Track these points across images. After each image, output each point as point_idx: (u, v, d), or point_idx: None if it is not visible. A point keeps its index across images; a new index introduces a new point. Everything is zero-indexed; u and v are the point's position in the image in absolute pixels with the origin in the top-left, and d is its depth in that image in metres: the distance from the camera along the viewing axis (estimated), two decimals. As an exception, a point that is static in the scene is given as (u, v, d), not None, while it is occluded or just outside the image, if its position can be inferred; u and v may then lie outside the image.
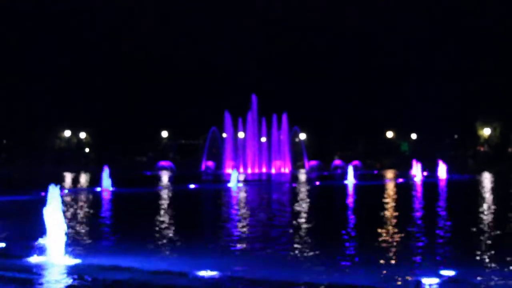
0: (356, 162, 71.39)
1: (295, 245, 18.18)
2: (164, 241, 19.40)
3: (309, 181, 55.97)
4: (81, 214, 26.94)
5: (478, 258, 16.07)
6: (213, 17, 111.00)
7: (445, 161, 62.51)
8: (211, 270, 13.77)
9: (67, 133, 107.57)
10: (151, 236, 20.00)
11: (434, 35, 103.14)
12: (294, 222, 24.12)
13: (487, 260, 15.78)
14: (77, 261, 15.38)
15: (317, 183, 50.74)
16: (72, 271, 14.44)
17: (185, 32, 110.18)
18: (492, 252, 16.99)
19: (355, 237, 20.42)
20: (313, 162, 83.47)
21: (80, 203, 32.26)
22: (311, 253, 16.94)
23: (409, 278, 13.55)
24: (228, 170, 77.00)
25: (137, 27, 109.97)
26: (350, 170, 52.80)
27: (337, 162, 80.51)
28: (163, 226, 22.99)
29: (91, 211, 28.98)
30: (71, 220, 23.92)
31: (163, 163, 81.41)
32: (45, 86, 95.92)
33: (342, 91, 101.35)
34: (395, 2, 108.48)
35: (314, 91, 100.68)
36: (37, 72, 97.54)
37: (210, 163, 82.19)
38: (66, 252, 15.74)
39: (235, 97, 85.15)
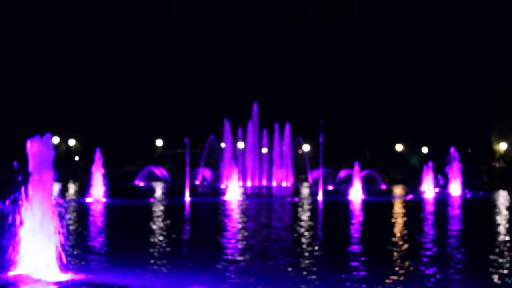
0: (366, 172, 70.44)
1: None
2: (159, 257, 19.41)
3: (312, 195, 55.72)
4: (71, 227, 26.90)
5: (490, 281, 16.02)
6: (212, 21, 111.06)
7: (460, 175, 62.37)
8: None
9: (55, 140, 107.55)
10: (144, 252, 20.00)
11: (448, 45, 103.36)
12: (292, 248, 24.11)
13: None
14: (65, 277, 15.35)
15: (320, 198, 50.36)
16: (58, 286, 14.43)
17: (184, 35, 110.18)
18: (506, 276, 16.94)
19: (365, 267, 20.39)
20: (316, 173, 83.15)
21: (69, 216, 32.20)
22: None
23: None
24: (226, 182, 76.97)
25: (133, 32, 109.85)
26: (357, 184, 52.70)
27: (343, 173, 79.63)
28: (157, 241, 22.99)
29: (81, 224, 28.98)
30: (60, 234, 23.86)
31: (155, 169, 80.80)
32: (31, 90, 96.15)
33: (349, 101, 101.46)
34: (405, 11, 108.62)
35: (319, 101, 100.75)
36: (22, 73, 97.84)
37: (207, 174, 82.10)
38: (55, 267, 15.71)
39: (235, 105, 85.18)
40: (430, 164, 65.83)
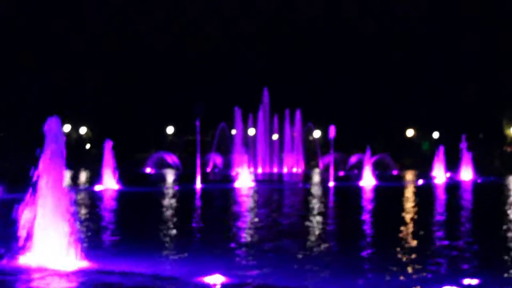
0: (377, 158, 70.09)
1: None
2: (172, 244, 19.57)
3: (323, 182, 55.79)
4: (84, 215, 27.12)
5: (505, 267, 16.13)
6: (221, 8, 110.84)
7: (471, 160, 62.30)
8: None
9: (67, 128, 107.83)
10: (156, 239, 20.16)
11: (458, 30, 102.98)
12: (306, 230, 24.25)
13: None
14: (76, 264, 15.50)
15: (332, 184, 50.37)
16: (71, 275, 14.58)
17: (192, 23, 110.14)
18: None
19: (373, 243, 20.52)
20: (327, 159, 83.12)
21: (80, 203, 32.44)
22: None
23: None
24: (237, 169, 77.08)
25: (141, 21, 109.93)
26: (368, 169, 52.75)
27: (354, 159, 79.31)
28: (170, 228, 23.15)
29: (92, 211, 29.19)
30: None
31: (166, 156, 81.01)
32: (41, 79, 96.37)
33: (360, 87, 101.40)
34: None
35: (330, 86, 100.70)
36: (31, 62, 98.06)
37: (218, 161, 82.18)
38: (66, 254, 15.86)
39: (246, 92, 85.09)
40: (441, 149, 65.76)
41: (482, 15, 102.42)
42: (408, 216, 27.71)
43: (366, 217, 28.49)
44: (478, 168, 64.36)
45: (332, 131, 54.37)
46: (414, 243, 20.32)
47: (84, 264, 15.38)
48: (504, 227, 23.87)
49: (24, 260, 15.43)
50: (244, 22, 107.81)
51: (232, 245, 19.23)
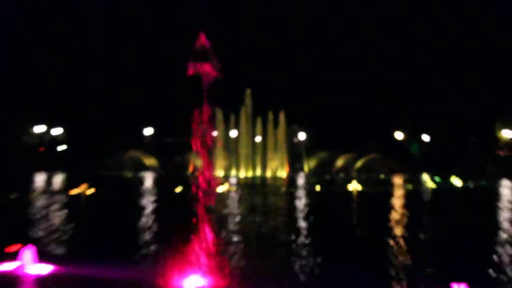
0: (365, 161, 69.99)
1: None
2: (144, 250, 19.73)
3: (308, 186, 55.95)
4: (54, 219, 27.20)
5: (491, 271, 16.42)
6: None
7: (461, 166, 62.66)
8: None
9: (41, 128, 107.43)
10: (129, 245, 20.32)
11: (451, 32, 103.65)
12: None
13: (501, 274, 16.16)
14: (52, 269, 15.63)
15: (318, 189, 50.53)
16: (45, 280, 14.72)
17: (176, 22, 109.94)
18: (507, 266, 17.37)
19: (361, 250, 20.78)
20: (313, 162, 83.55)
21: (55, 207, 32.49)
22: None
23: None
24: (219, 172, 77.32)
25: (128, 23, 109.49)
26: (355, 173, 52.96)
27: (341, 162, 79.58)
28: (144, 234, 23.30)
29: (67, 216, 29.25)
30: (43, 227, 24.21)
31: (145, 159, 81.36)
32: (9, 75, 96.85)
33: (347, 88, 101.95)
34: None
35: (316, 87, 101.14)
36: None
37: (198, 164, 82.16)
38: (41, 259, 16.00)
39: (228, 92, 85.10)
40: (431, 152, 66.16)
41: (482, 17, 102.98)
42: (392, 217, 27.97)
43: (351, 224, 28.72)
44: (469, 172, 64.69)
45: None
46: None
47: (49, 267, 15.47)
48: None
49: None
50: (228, 23, 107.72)
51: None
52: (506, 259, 18.82)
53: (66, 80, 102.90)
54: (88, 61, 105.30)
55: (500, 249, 20.43)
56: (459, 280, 14.71)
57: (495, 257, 18.94)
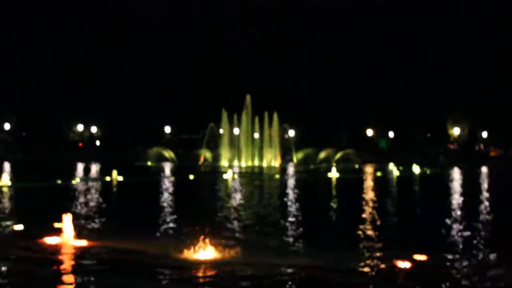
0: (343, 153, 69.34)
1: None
2: (171, 226, 19.58)
3: (296, 174, 55.97)
4: (93, 201, 27.11)
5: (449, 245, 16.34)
6: (210, 18, 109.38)
7: (419, 157, 62.46)
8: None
9: (80, 127, 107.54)
10: (157, 223, 20.16)
11: (413, 37, 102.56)
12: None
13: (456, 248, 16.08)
14: (90, 243, 15.54)
15: (303, 176, 50.54)
16: (84, 251, 14.62)
17: (190, 32, 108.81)
18: (463, 240, 17.29)
19: (337, 228, 20.67)
20: (300, 154, 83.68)
21: (92, 191, 32.38)
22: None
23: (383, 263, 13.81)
24: (224, 162, 77.51)
25: (140, 26, 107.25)
26: (334, 163, 52.82)
27: (323, 154, 79.68)
28: (169, 213, 23.16)
29: (102, 199, 29.14)
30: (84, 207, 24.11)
31: (164, 152, 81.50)
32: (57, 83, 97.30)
33: (326, 92, 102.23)
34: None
35: (303, 92, 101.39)
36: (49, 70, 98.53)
37: (208, 156, 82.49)
38: (81, 234, 15.89)
39: (232, 97, 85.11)
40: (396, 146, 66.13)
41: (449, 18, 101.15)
42: (363, 201, 27.89)
43: (329, 203, 28.62)
44: (426, 162, 64.60)
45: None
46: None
47: (94, 242, 15.41)
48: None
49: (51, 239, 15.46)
50: (234, 37, 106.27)
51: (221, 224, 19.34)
52: (457, 232, 18.75)
53: (103, 84, 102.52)
54: (121, 73, 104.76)
55: (455, 225, 20.33)
56: (419, 252, 14.61)
57: (451, 232, 18.85)
